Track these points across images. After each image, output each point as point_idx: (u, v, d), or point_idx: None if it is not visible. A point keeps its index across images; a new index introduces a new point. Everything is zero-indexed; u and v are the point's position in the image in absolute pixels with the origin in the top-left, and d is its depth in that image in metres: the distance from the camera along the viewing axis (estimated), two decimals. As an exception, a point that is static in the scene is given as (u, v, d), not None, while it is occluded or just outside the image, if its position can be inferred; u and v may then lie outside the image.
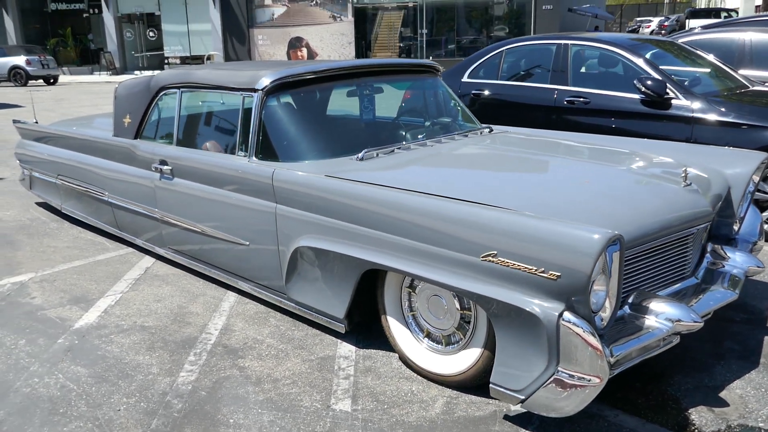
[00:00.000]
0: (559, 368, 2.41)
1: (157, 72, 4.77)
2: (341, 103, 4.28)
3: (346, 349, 3.37)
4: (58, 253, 4.98)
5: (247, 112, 3.77)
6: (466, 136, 4.11)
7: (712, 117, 4.98)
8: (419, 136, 4.03)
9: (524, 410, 2.61)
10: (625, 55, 5.55)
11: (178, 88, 4.34)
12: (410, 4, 24.33)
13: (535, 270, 2.41)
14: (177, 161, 4.16)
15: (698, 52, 6.17)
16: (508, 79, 6.28)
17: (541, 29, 22.88)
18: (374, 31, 24.66)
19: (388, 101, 4.46)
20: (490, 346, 2.76)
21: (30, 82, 23.59)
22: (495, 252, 2.52)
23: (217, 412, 2.82)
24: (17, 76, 23.44)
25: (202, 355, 3.34)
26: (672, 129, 5.14)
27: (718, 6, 34.33)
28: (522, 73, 6.29)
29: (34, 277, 4.50)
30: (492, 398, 2.73)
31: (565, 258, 2.34)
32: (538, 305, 2.42)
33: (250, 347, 3.42)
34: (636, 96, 5.34)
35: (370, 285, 3.21)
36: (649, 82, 5.18)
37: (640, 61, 5.44)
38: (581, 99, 5.62)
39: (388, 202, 2.95)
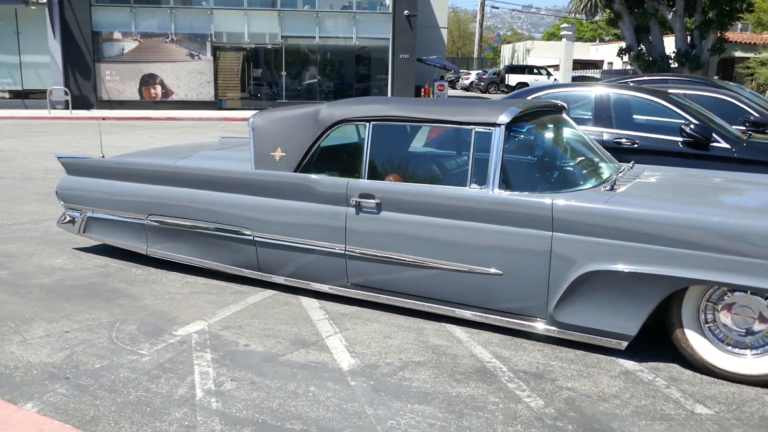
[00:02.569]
0: None
1: (322, 104, 4.62)
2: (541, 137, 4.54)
3: (630, 365, 3.63)
4: (196, 299, 4.52)
5: (484, 145, 3.92)
6: (641, 170, 4.61)
7: (750, 157, 6.04)
8: (616, 169, 4.44)
9: None
10: (666, 104, 6.49)
11: (367, 121, 4.30)
12: (269, 46, 24.43)
13: None
14: (389, 195, 4.11)
15: (693, 105, 7.35)
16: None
17: (399, 76, 24.35)
18: (233, 70, 24.31)
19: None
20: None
21: None
22: None
23: None
24: None
25: (510, 380, 3.40)
26: (712, 167, 6.12)
27: (529, 63, 38.93)
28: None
29: (212, 324, 4.08)
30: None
31: None
32: None
33: (546, 372, 3.54)
34: (678, 138, 6.27)
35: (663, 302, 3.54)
36: (693, 127, 6.14)
37: (679, 110, 6.41)
38: (628, 141, 6.43)
39: (699, 223, 3.35)
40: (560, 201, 3.67)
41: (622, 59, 28.13)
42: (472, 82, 38.95)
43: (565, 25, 28.82)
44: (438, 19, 29.37)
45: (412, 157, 4.68)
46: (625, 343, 3.62)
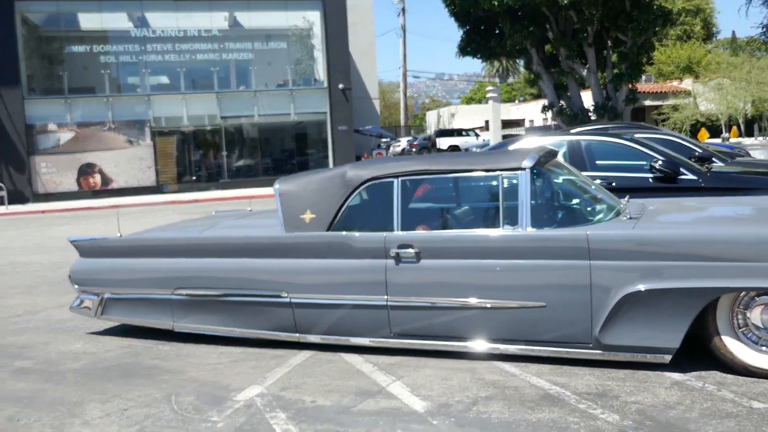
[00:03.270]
0: None
1: (345, 166, 4.84)
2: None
3: (678, 377, 3.91)
4: (239, 366, 4.53)
5: (513, 189, 4.24)
6: (641, 202, 5.03)
7: (714, 185, 6.64)
8: (619, 202, 4.83)
9: None
10: (635, 146, 7.08)
11: (395, 177, 4.55)
12: (209, 127, 24.60)
13: None
14: (427, 243, 4.33)
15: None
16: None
17: (339, 147, 24.92)
18: (173, 154, 24.25)
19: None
20: (840, 335, 3.64)
21: None
22: None
23: None
24: None
25: (579, 402, 3.60)
26: (681, 197, 6.69)
27: (459, 127, 40.49)
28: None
29: (268, 387, 4.11)
30: None
31: None
32: None
33: (607, 391, 3.76)
34: (648, 175, 6.83)
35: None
36: (662, 163, 6.71)
37: (647, 150, 7.00)
38: (604, 182, 6.94)
39: (722, 237, 3.75)
40: (593, 231, 4.00)
41: (545, 115, 29.83)
42: (403, 149, 40.02)
43: (490, 87, 30.40)
44: (369, 90, 30.47)
45: (441, 207, 4.95)
46: (669, 357, 3.91)
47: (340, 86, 24.44)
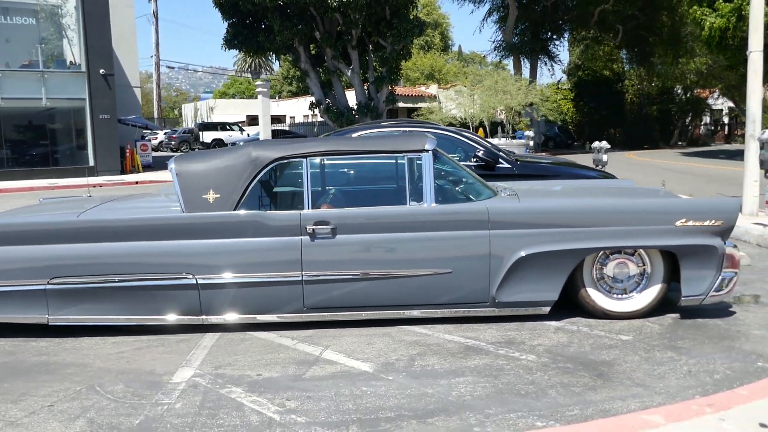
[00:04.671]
0: (722, 272, 4.65)
1: (250, 145, 4.75)
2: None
3: (556, 324, 4.74)
4: (148, 353, 4.31)
5: (418, 169, 4.72)
6: (504, 184, 5.82)
7: (524, 172, 7.84)
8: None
9: (709, 305, 4.72)
10: (463, 138, 8.00)
11: (304, 157, 4.72)
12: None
13: (710, 223, 4.63)
14: (343, 219, 4.59)
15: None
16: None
17: (100, 137, 22.95)
18: None
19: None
20: (667, 281, 4.76)
21: None
22: (686, 219, 4.62)
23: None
24: None
25: (496, 349, 4.22)
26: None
27: (223, 121, 39.59)
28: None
29: (200, 367, 4.02)
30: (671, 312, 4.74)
31: (724, 214, 4.63)
32: (715, 241, 4.63)
33: (512, 339, 4.43)
34: (469, 163, 7.81)
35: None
36: (483, 153, 7.74)
37: (473, 142, 7.97)
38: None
39: (602, 206, 4.67)
40: (492, 205, 4.64)
41: (313, 112, 30.80)
42: (161, 142, 38.15)
43: (259, 82, 30.21)
44: (129, 78, 28.40)
45: (349, 186, 5.19)
46: (548, 308, 4.72)
47: (102, 71, 22.49)
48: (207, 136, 35.05)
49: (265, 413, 3.35)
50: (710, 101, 41.48)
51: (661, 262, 4.75)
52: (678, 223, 4.61)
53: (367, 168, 5.33)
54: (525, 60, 32.87)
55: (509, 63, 34.47)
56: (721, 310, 4.92)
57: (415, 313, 4.74)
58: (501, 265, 4.61)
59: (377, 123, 10.36)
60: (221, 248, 4.60)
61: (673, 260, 4.72)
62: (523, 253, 4.58)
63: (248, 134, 35.93)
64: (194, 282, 4.58)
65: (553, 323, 4.73)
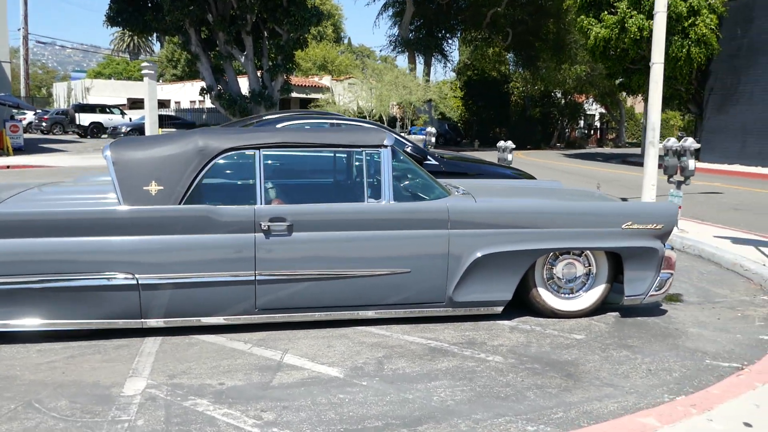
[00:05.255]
0: (660, 273, 4.90)
1: (196, 133, 4.34)
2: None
3: (509, 324, 4.77)
4: (85, 362, 3.87)
5: (376, 165, 4.59)
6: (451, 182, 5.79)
7: (450, 170, 7.90)
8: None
9: (647, 304, 4.94)
10: (392, 133, 7.90)
11: (256, 149, 4.43)
12: None
13: (652, 226, 4.85)
14: (301, 216, 4.35)
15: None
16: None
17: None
18: None
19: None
20: (610, 281, 4.94)
21: None
22: (631, 222, 4.81)
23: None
24: None
25: (461, 350, 4.18)
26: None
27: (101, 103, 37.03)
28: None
29: (152, 377, 3.66)
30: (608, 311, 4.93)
31: (665, 218, 4.87)
32: (656, 243, 4.85)
33: (472, 340, 4.41)
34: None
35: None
36: (411, 148, 7.71)
37: (399, 136, 7.90)
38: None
39: (555, 208, 4.75)
40: (452, 204, 4.59)
41: (203, 98, 29.56)
42: (30, 123, 35.12)
43: (145, 64, 28.58)
44: (-3, 51, 25.78)
45: (303, 181, 4.91)
46: (501, 308, 4.75)
47: (-33, 42, 20.34)
48: (84, 119, 32.69)
49: (243, 427, 3.10)
50: (585, 106, 44.24)
51: (605, 263, 4.91)
52: (624, 226, 4.78)
53: (322, 162, 5.10)
54: (419, 57, 33.39)
55: (397, 58, 35.00)
56: (655, 309, 5.17)
57: (370, 313, 4.60)
58: (459, 265, 4.57)
59: (290, 114, 9.93)
60: (165, 246, 4.22)
61: (616, 261, 4.90)
62: (480, 253, 4.56)
63: (130, 118, 33.92)
64: (134, 282, 4.17)
65: (507, 323, 4.76)
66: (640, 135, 49.02)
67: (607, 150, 36.49)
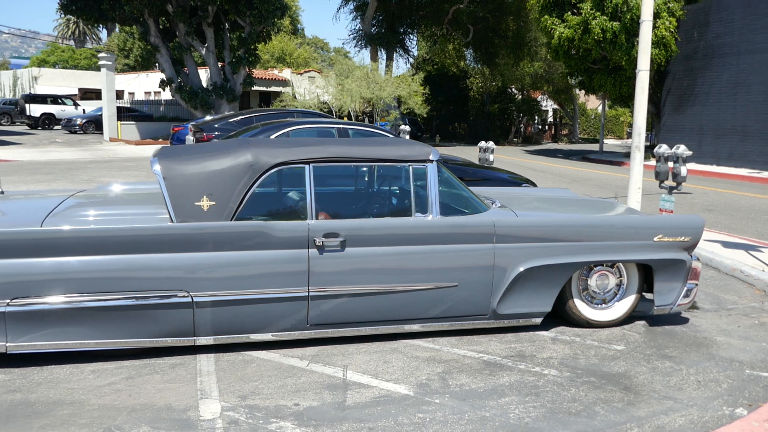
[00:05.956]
0: (687, 284, 5.11)
1: (245, 146, 4.25)
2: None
3: (548, 335, 4.90)
4: (148, 384, 3.79)
5: (423, 179, 4.62)
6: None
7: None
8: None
9: (687, 313, 5.14)
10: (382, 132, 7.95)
11: (306, 163, 4.40)
12: None
13: (682, 239, 5.05)
14: (354, 231, 4.36)
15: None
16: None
17: None
18: None
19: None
20: (640, 291, 5.11)
21: None
22: (663, 234, 5.00)
23: None
24: None
25: (515, 363, 4.27)
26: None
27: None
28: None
29: (225, 398, 3.62)
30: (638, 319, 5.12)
31: (693, 230, 5.07)
32: (684, 255, 5.05)
33: (522, 352, 4.51)
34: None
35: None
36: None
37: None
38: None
39: (593, 221, 4.89)
40: (497, 218, 4.67)
41: (162, 91, 28.80)
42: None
43: (102, 54, 27.80)
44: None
45: (352, 195, 4.88)
46: (539, 320, 4.87)
47: None
48: (35, 109, 31.43)
49: (340, 452, 3.11)
50: (541, 102, 45.06)
51: (636, 274, 5.09)
52: (656, 239, 4.96)
53: (369, 176, 5.09)
54: (381, 51, 33.37)
55: (360, 52, 34.80)
56: (676, 317, 5.38)
57: (416, 327, 4.65)
58: (503, 278, 4.66)
59: (289, 121, 9.71)
60: (219, 262, 4.16)
61: (645, 272, 5.08)
62: (524, 267, 4.66)
63: (84, 110, 32.81)
64: (189, 300, 4.11)
65: (545, 333, 4.89)
66: (591, 131, 50.32)
67: (564, 146, 37.29)
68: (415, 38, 38.32)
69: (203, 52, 27.16)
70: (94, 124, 29.24)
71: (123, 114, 27.99)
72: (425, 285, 4.52)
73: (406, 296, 4.51)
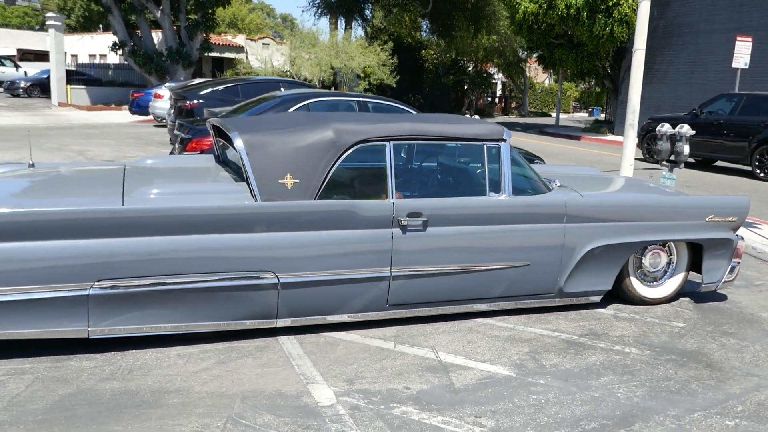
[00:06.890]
0: (732, 262, 5.29)
1: (333, 123, 4.08)
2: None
3: (607, 312, 4.99)
4: (241, 369, 3.66)
5: (496, 159, 4.59)
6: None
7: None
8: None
9: (722, 290, 5.33)
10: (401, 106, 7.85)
11: (387, 140, 4.29)
12: None
13: (730, 219, 5.21)
14: (436, 211, 4.29)
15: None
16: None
17: None
18: None
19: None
20: (688, 269, 5.26)
21: None
22: (713, 215, 5.14)
23: None
24: None
25: (594, 342, 4.35)
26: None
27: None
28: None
29: (332, 383, 3.53)
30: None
31: (740, 210, 5.23)
32: (731, 235, 5.22)
33: (596, 331, 4.58)
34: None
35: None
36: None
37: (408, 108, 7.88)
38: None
39: (653, 202, 4.98)
40: (568, 198, 4.69)
41: (117, 54, 27.47)
42: None
43: (50, 14, 26.27)
44: None
45: (428, 173, 4.77)
46: (599, 297, 4.96)
47: None
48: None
49: (479, 436, 3.09)
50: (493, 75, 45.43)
51: (686, 253, 5.23)
52: (707, 219, 5.10)
53: (443, 154, 4.99)
54: (341, 20, 32.80)
55: (305, 19, 34.02)
56: (714, 294, 5.56)
57: (484, 306, 4.65)
58: (571, 257, 4.70)
59: (302, 93, 9.20)
60: (305, 242, 4.03)
61: (694, 251, 5.23)
62: (591, 246, 4.72)
63: (25, 72, 31.00)
64: (275, 281, 3.97)
65: (603, 311, 4.98)
66: (538, 104, 51.11)
67: (517, 119, 37.77)
68: (369, 7, 37.79)
69: (158, 14, 25.99)
70: (39, 87, 27.70)
71: (71, 77, 26.64)
72: (499, 264, 4.52)
73: (479, 275, 4.49)
